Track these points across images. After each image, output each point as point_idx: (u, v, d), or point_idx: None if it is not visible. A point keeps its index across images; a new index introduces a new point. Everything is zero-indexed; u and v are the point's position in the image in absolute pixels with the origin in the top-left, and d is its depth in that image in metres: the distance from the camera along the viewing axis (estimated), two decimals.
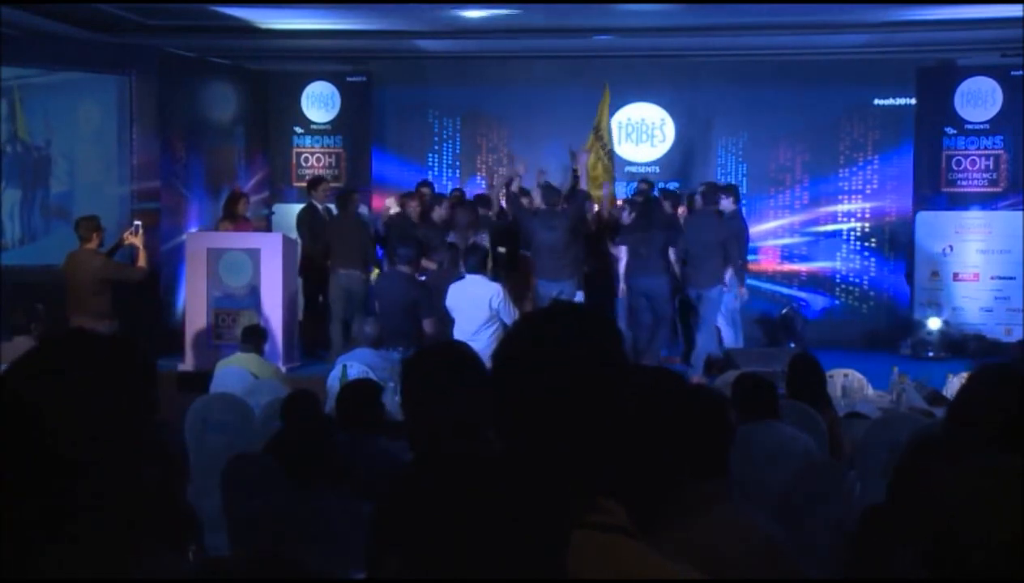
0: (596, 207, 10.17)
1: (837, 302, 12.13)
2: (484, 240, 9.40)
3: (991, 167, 11.22)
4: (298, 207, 10.84)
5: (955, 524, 1.45)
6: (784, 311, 11.34)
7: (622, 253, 9.38)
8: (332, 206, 10.54)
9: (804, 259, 12.22)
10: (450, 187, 12.16)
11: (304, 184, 11.28)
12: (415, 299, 8.18)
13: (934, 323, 10.60)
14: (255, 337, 7.68)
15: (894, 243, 11.95)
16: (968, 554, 1.42)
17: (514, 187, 10.12)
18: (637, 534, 1.39)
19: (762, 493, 4.06)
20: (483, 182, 12.29)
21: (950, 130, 11.26)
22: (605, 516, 1.38)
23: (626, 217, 9.46)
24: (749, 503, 3.88)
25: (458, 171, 12.66)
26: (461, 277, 8.22)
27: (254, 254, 9.15)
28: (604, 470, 1.41)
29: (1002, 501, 1.46)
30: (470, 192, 11.54)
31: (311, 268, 9.96)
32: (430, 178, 12.48)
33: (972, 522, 1.45)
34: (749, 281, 11.50)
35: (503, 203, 10.19)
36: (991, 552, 1.42)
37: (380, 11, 9.95)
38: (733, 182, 11.03)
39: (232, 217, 10.23)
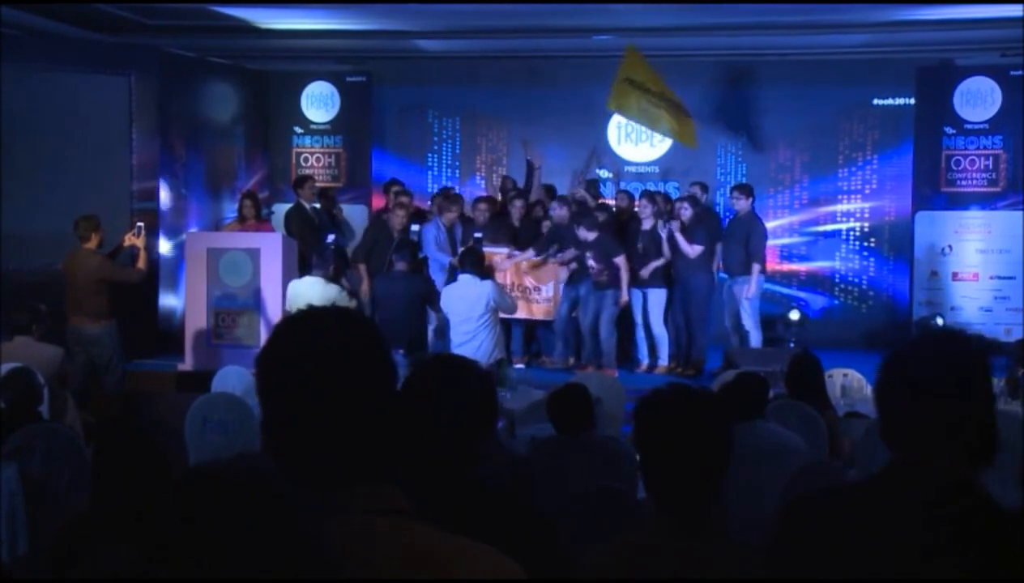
0: None
1: (837, 302, 12.13)
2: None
3: (990, 167, 11.21)
4: None
5: None
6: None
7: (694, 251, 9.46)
8: (318, 204, 10.57)
9: (804, 259, 12.21)
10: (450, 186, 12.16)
11: None
12: (422, 292, 8.26)
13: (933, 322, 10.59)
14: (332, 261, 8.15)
15: (893, 243, 11.94)
16: None
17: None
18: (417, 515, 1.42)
19: (754, 493, 4.07)
20: (483, 182, 12.28)
21: (949, 130, 11.24)
22: (382, 501, 1.39)
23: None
24: (747, 503, 3.89)
25: (458, 171, 12.65)
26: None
27: (254, 254, 9.14)
28: (379, 460, 1.42)
29: None
30: (471, 192, 11.56)
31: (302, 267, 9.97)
32: (429, 178, 12.50)
33: None
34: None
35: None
36: None
37: (380, 11, 9.95)
38: (733, 182, 11.05)
39: (240, 218, 10.28)
